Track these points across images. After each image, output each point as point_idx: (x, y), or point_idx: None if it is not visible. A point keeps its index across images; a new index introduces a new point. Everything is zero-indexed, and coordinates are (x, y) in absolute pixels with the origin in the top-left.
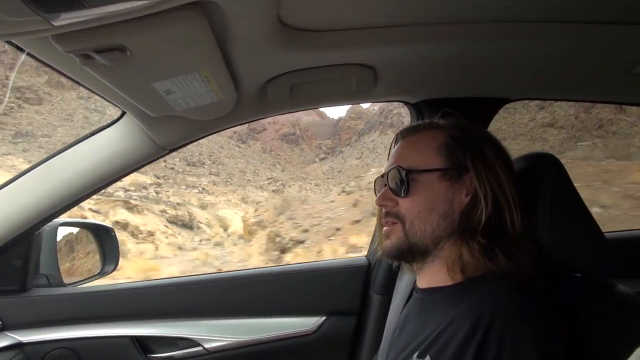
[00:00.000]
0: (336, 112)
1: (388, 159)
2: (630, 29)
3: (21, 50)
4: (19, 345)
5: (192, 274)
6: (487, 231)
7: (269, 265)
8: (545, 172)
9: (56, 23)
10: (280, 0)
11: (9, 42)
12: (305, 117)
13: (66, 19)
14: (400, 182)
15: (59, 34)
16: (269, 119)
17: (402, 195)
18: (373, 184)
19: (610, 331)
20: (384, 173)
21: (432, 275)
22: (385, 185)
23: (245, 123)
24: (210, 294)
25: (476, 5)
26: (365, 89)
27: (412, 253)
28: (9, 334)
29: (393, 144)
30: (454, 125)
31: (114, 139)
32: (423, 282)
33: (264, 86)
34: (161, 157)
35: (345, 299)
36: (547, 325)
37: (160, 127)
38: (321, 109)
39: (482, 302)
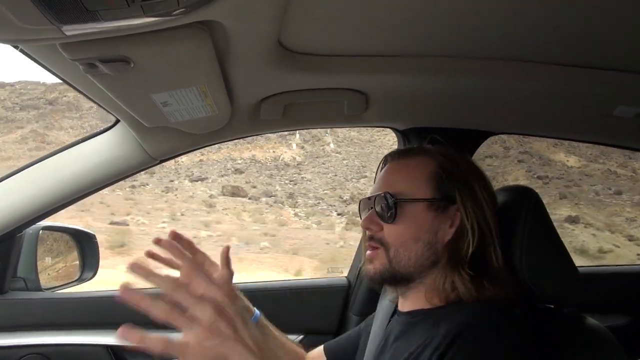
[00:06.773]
0: None
1: (375, 181)
2: (609, 74)
3: (23, 52)
4: None
5: None
6: (474, 263)
7: (248, 282)
8: (524, 205)
9: (68, 32)
10: (282, 24)
11: (15, 47)
12: None
13: (78, 30)
14: (387, 209)
15: (68, 42)
16: None
17: (389, 221)
18: (358, 205)
19: None
20: (371, 196)
21: (414, 300)
22: (372, 208)
23: (237, 139)
24: None
25: (468, 41)
26: (356, 114)
27: (395, 280)
28: None
29: (381, 166)
30: (444, 155)
31: (106, 146)
32: (405, 306)
33: (258, 104)
34: (151, 167)
35: (324, 318)
36: (520, 344)
37: (153, 138)
38: None
39: (458, 318)
